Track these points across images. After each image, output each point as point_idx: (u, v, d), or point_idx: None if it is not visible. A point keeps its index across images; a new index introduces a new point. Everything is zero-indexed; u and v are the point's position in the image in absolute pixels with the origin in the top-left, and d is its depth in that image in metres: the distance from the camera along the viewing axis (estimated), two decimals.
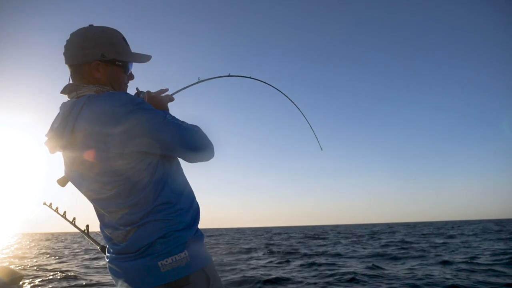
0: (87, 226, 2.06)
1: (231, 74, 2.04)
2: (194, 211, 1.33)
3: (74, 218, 2.13)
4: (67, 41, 1.31)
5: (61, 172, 1.38)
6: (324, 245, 20.81)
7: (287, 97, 2.42)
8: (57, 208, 2.18)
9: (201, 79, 1.86)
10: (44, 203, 2.23)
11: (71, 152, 1.25)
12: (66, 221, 2.13)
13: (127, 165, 1.19)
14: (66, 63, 1.31)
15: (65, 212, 2.15)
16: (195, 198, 1.37)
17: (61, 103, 1.31)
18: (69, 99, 1.31)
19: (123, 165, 1.19)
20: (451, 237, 25.46)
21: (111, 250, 1.34)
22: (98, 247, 1.98)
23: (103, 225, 1.34)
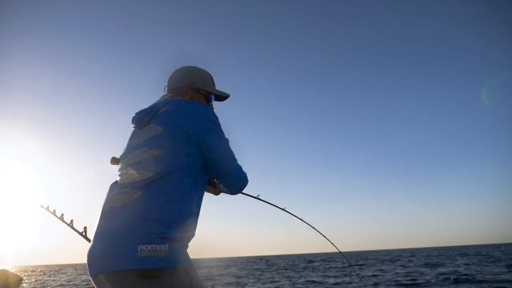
0: (85, 228, 2.06)
1: (285, 209, 2.30)
2: (193, 219, 1.41)
3: (71, 220, 2.13)
4: (171, 74, 1.72)
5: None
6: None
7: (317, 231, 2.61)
8: (54, 211, 2.17)
9: (259, 196, 2.13)
10: (42, 206, 2.23)
11: (145, 127, 1.49)
12: (63, 223, 2.13)
13: (178, 145, 1.39)
14: (167, 88, 1.70)
15: (62, 215, 2.15)
16: (198, 211, 1.47)
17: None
18: None
19: (176, 142, 1.39)
20: None
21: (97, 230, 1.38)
22: None
23: (117, 186, 1.43)
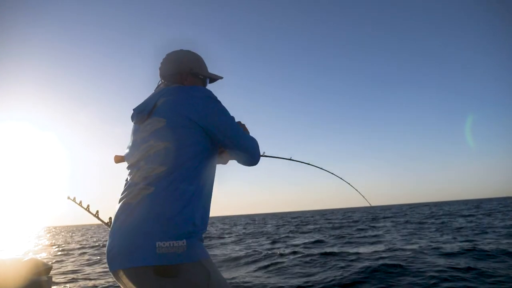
0: (110, 218, 2.12)
1: (292, 158, 2.25)
2: (205, 211, 1.40)
3: (97, 211, 2.19)
4: (165, 59, 1.66)
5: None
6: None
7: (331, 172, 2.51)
8: (80, 202, 2.24)
9: (265, 153, 2.05)
10: (68, 197, 2.30)
11: (146, 121, 1.46)
12: (90, 214, 2.20)
13: (184, 135, 1.37)
14: (161, 74, 1.65)
15: (88, 206, 2.22)
16: (210, 201, 1.46)
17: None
18: None
19: (182, 132, 1.37)
20: None
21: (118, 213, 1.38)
22: None
23: (130, 184, 1.41)
